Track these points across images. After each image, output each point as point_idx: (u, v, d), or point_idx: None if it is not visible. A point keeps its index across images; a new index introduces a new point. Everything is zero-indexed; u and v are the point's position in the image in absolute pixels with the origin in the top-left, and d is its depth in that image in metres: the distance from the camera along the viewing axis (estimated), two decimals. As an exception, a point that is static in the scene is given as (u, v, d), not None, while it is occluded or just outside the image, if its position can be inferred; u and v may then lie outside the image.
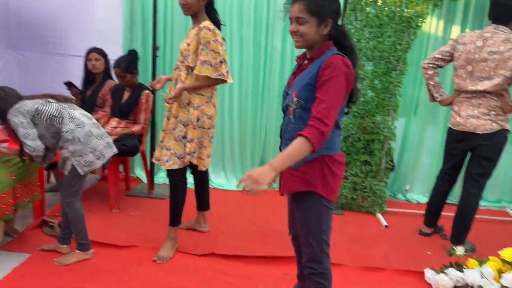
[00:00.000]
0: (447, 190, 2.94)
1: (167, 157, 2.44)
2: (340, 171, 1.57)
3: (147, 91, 3.23)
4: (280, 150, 1.60)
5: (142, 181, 3.80)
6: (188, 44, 2.35)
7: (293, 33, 1.52)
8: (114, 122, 3.24)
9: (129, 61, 3.16)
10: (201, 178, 2.77)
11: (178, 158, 2.43)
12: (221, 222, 2.99)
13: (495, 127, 2.56)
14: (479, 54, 2.54)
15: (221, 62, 2.30)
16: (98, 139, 2.27)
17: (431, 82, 2.76)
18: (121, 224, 2.89)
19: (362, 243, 2.90)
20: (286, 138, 1.59)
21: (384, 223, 3.22)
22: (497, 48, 2.48)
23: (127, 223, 2.92)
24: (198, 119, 2.38)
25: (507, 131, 2.60)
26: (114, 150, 2.36)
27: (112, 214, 3.06)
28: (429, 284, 2.40)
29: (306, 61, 1.58)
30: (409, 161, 3.87)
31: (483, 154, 2.62)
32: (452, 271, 2.35)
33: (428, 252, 2.83)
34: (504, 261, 2.37)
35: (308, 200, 1.55)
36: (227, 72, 2.35)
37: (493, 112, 2.55)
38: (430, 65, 2.73)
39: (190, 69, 2.35)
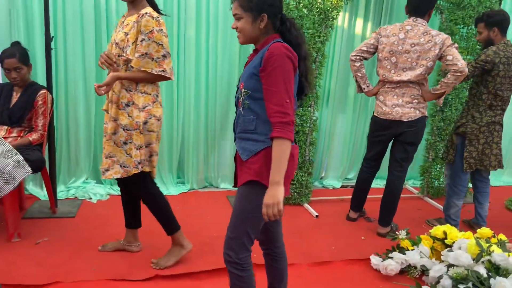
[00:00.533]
0: (372, 176, 3.09)
1: (107, 165, 2.11)
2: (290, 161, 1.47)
3: (43, 91, 2.68)
4: (235, 142, 1.61)
5: (38, 199, 3.18)
6: (126, 34, 2.01)
7: (235, 30, 1.54)
8: (2, 131, 2.61)
9: (23, 50, 2.58)
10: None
11: (121, 166, 2.10)
12: (154, 238, 2.63)
13: (417, 114, 2.74)
14: (402, 46, 2.68)
15: (164, 56, 2.01)
16: (5, 158, 1.77)
17: (359, 74, 2.83)
18: (30, 256, 2.35)
19: (300, 236, 2.89)
20: (238, 131, 1.57)
21: (314, 213, 3.27)
22: (418, 40, 2.65)
23: (36, 253, 2.39)
24: (146, 122, 2.06)
25: (426, 117, 2.82)
26: (28, 169, 1.88)
27: (14, 245, 2.47)
28: (377, 270, 2.49)
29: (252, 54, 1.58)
30: (323, 149, 4.00)
31: (407, 139, 2.80)
32: (396, 255, 2.48)
33: (362, 237, 2.95)
34: (435, 238, 2.58)
35: (250, 189, 1.52)
36: (171, 69, 2.05)
37: (415, 101, 2.74)
38: (358, 57, 2.79)
39: (128, 62, 2.01)
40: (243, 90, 1.51)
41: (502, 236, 2.50)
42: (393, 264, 2.40)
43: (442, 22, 3.58)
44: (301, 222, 3.13)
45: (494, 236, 2.52)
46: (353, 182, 4.06)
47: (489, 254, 2.14)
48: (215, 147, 3.69)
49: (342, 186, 4.05)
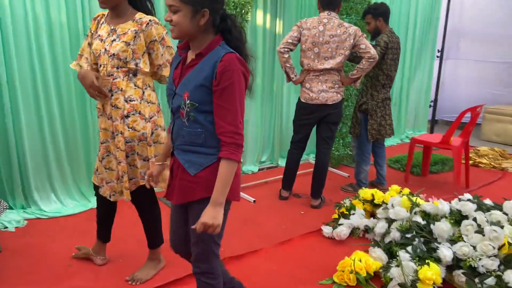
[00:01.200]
0: (300, 156, 3.40)
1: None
2: (238, 170, 1.45)
3: None
4: (172, 155, 1.53)
5: None
6: (127, 44, 1.88)
7: (168, 22, 1.38)
8: None
9: None
10: (114, 204, 2.27)
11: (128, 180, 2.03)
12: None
13: (339, 97, 3.13)
14: (322, 37, 3.01)
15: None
16: None
17: (287, 65, 3.07)
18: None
19: (251, 222, 3.04)
20: (180, 143, 1.46)
21: (251, 199, 3.44)
22: (335, 31, 3.00)
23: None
24: (152, 133, 1.96)
25: (344, 99, 3.23)
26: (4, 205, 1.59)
27: None
28: (329, 237, 2.81)
29: (192, 57, 1.43)
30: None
31: (332, 120, 3.17)
32: (344, 221, 2.84)
33: (301, 212, 3.26)
34: (364, 201, 3.04)
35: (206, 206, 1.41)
36: None
37: (336, 85, 3.11)
38: (285, 49, 3.02)
39: (131, 73, 1.91)
40: (188, 102, 1.39)
41: (406, 190, 3.07)
42: (344, 229, 2.76)
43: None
44: (243, 210, 3.27)
45: (401, 191, 3.09)
46: (266, 165, 4.37)
47: (418, 206, 2.65)
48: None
49: (259, 170, 4.29)
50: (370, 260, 2.32)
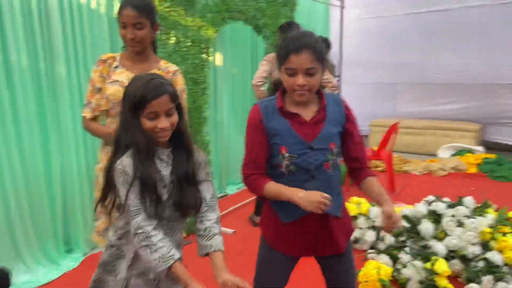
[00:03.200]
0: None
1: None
2: None
3: None
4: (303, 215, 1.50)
5: None
6: None
7: (301, 86, 1.42)
8: None
9: None
10: None
11: None
12: None
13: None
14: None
15: None
16: None
17: (263, 96, 3.22)
18: None
19: (247, 254, 3.06)
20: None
21: (230, 230, 3.44)
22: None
23: None
24: None
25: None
26: None
27: None
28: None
29: (312, 113, 1.50)
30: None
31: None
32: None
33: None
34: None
35: (350, 247, 1.62)
36: None
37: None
38: (260, 83, 3.18)
39: None
40: (335, 150, 1.50)
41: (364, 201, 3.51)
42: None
43: (267, 46, 4.35)
44: (228, 242, 3.25)
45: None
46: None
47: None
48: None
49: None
50: (384, 266, 2.61)
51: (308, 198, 1.37)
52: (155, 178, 1.33)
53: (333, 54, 6.27)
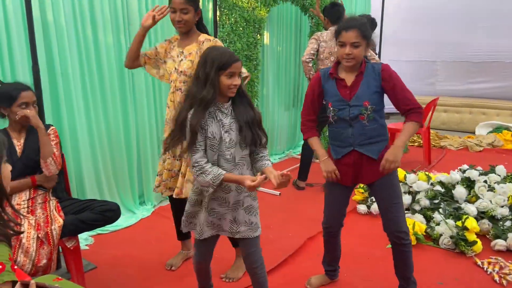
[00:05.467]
0: (313, 150, 3.90)
1: (180, 184, 2.31)
2: None
3: (53, 127, 2.22)
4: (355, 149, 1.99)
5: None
6: (192, 61, 2.24)
7: (348, 55, 1.89)
8: (24, 196, 2.09)
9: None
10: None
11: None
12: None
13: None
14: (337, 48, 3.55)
15: None
16: None
17: (312, 72, 3.55)
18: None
19: (292, 212, 3.46)
20: (362, 140, 1.97)
21: (276, 192, 3.84)
22: (346, 43, 3.57)
23: None
24: None
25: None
26: None
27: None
28: (365, 214, 3.38)
29: (353, 77, 1.96)
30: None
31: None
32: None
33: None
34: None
35: (394, 177, 2.04)
36: None
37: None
38: (309, 59, 3.50)
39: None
40: (369, 107, 1.93)
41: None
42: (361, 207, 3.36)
43: (312, 25, 4.64)
44: (276, 203, 3.66)
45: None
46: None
47: (431, 178, 3.37)
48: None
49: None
50: (418, 223, 2.94)
51: (325, 167, 2.03)
52: (200, 126, 1.71)
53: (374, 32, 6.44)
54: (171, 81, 2.32)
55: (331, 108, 1.98)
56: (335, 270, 2.38)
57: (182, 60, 2.28)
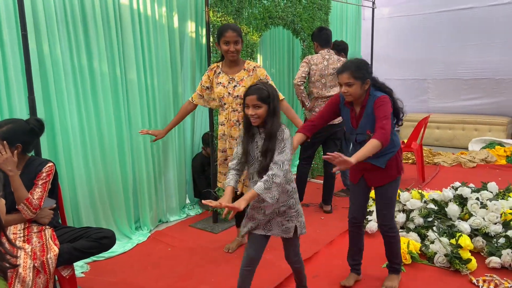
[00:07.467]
0: (308, 170, 3.95)
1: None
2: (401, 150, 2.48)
3: (50, 164, 2.20)
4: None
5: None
6: (245, 87, 2.64)
7: (344, 93, 2.25)
8: (18, 231, 2.10)
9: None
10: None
11: None
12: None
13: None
14: (327, 70, 3.64)
15: None
16: None
17: (303, 95, 3.63)
18: None
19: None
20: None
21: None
22: (336, 65, 3.66)
23: None
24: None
25: (343, 118, 3.93)
26: None
27: None
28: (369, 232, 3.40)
29: (358, 109, 2.33)
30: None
31: (337, 136, 3.80)
32: (371, 217, 3.46)
33: (321, 218, 3.79)
34: (373, 199, 3.71)
35: (393, 184, 2.43)
36: None
37: (340, 108, 3.78)
38: (301, 82, 3.58)
39: None
40: (371, 134, 2.21)
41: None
42: (374, 224, 3.37)
43: (303, 47, 4.74)
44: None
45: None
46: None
47: (424, 196, 3.41)
48: (162, 181, 3.69)
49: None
50: (413, 242, 2.96)
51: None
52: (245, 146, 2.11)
53: (364, 52, 6.60)
54: (224, 103, 2.80)
55: (345, 131, 2.46)
56: (359, 264, 2.64)
57: (236, 86, 2.75)
